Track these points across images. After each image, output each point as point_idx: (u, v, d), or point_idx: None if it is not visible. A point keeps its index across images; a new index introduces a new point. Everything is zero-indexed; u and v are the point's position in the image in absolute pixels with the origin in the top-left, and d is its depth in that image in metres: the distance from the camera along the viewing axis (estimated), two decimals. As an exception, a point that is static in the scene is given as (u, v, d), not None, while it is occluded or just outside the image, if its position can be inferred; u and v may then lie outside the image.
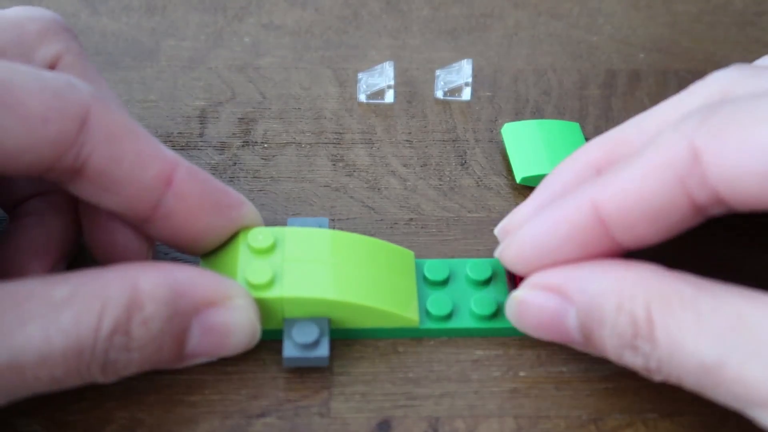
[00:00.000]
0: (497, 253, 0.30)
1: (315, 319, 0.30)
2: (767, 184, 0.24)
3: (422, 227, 0.35)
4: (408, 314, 0.31)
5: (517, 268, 0.29)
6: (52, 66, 0.31)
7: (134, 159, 0.28)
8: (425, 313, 0.31)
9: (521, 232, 0.29)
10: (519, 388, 0.30)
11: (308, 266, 0.30)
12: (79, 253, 0.33)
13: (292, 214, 0.35)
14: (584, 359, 0.31)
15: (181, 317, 0.27)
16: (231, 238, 0.31)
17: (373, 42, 0.42)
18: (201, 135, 0.38)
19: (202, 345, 0.28)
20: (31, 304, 0.26)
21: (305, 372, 0.30)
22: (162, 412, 0.29)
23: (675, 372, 0.26)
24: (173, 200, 0.29)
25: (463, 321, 0.31)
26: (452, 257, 0.33)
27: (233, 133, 0.38)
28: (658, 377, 0.27)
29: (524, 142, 0.37)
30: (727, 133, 0.25)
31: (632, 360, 0.27)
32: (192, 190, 0.29)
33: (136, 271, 0.27)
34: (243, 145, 0.38)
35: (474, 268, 0.32)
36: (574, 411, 0.29)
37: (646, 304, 0.26)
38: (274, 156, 0.37)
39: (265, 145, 0.38)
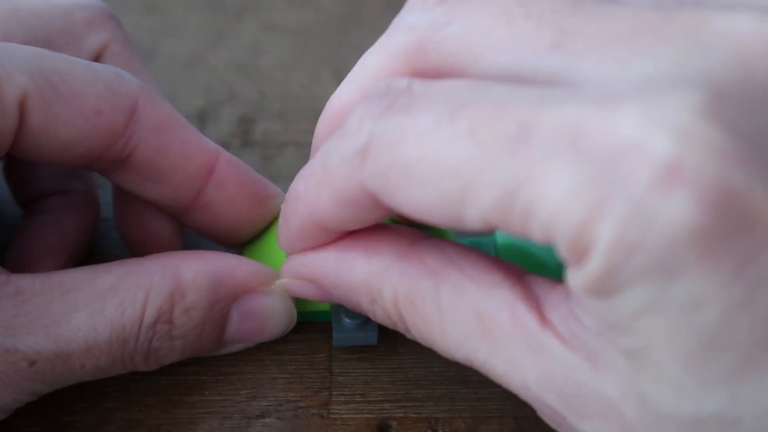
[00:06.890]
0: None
1: None
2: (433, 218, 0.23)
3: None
4: None
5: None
6: (99, 53, 0.31)
7: (179, 149, 0.29)
8: None
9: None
10: (519, 388, 0.30)
11: None
12: (88, 256, 0.33)
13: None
14: (585, 360, 0.31)
15: (222, 304, 0.28)
16: (271, 227, 0.31)
17: (373, 42, 0.42)
18: (201, 135, 0.38)
19: (240, 331, 0.29)
20: (77, 293, 0.26)
21: (305, 372, 0.30)
22: (161, 413, 0.29)
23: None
24: (214, 190, 0.29)
25: None
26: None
27: (233, 133, 0.38)
28: None
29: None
30: (391, 185, 0.23)
31: None
32: (232, 181, 0.30)
33: (178, 260, 0.28)
34: (243, 145, 0.38)
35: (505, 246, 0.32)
36: (574, 412, 0.29)
37: (393, 301, 0.26)
38: (273, 156, 0.37)
39: (265, 145, 0.38)
